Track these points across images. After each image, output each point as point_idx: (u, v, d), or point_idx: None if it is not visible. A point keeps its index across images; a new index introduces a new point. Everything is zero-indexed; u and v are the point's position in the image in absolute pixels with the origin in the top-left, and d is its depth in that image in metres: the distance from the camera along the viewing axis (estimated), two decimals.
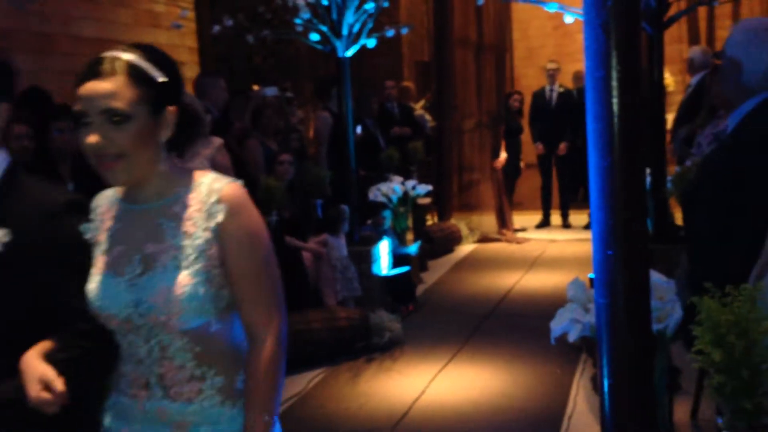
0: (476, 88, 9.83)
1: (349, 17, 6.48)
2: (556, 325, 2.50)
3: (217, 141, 4.93)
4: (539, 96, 10.41)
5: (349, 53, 6.66)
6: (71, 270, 1.85)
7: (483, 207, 9.78)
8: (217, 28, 6.83)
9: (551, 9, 5.51)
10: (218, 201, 1.79)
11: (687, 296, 2.01)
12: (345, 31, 6.55)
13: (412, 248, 7.41)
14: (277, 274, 1.88)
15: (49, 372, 1.71)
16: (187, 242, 1.78)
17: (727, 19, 10.95)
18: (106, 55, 1.77)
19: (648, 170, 5.40)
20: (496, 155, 9.80)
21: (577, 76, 10.42)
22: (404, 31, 7.64)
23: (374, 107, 8.53)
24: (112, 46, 1.81)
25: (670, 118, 6.93)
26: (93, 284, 1.82)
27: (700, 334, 1.77)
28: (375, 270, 6.69)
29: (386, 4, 6.68)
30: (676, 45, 11.32)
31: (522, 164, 10.56)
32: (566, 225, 10.23)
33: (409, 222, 8.01)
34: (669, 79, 9.77)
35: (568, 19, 5.54)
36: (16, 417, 1.77)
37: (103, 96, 1.72)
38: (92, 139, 1.73)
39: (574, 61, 11.66)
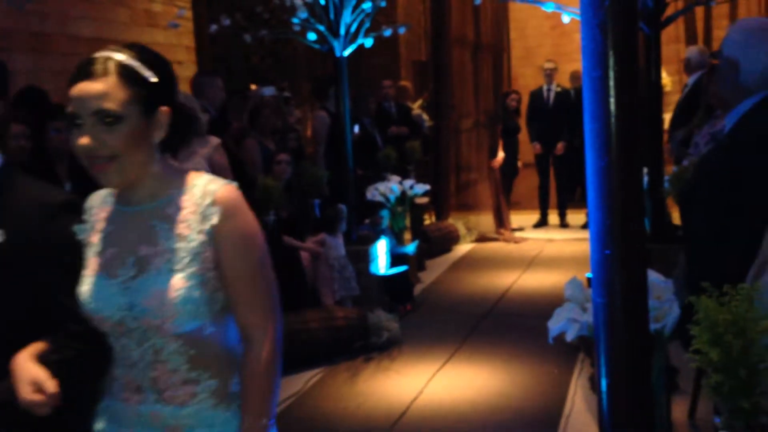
0: (473, 88, 9.84)
1: (347, 17, 6.49)
2: (554, 325, 2.50)
3: (215, 140, 4.94)
4: (537, 96, 10.41)
5: (347, 53, 6.66)
6: (66, 270, 1.84)
7: (480, 206, 9.78)
8: (214, 27, 6.82)
9: (548, 9, 5.50)
10: (213, 203, 1.77)
11: (684, 296, 2.02)
12: (342, 31, 6.55)
13: (410, 248, 7.41)
14: (272, 276, 1.87)
15: (40, 373, 1.70)
16: (180, 245, 1.76)
17: (724, 19, 10.95)
18: (97, 55, 1.74)
19: (645, 170, 5.40)
20: (494, 155, 9.80)
21: (575, 76, 10.42)
22: (401, 30, 7.63)
23: (372, 107, 8.53)
24: (109, 46, 1.80)
25: (667, 117, 6.94)
26: (86, 286, 1.80)
27: (697, 333, 1.77)
28: (373, 269, 6.69)
29: (383, 4, 6.67)
30: (673, 45, 11.32)
31: (519, 164, 10.56)
32: (564, 224, 10.23)
33: (407, 221, 8.01)
34: (666, 78, 9.75)
35: (566, 18, 5.53)
36: (6, 418, 1.75)
37: (95, 97, 1.70)
38: (84, 140, 1.71)
39: (572, 60, 11.64)
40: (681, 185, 3.69)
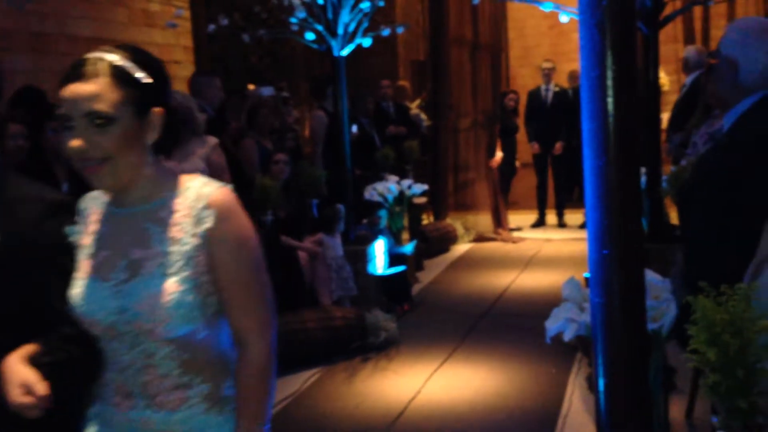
0: (472, 88, 9.84)
1: (345, 16, 6.48)
2: (552, 325, 2.50)
3: (213, 140, 4.93)
4: (535, 95, 10.41)
5: (345, 52, 6.66)
6: (59, 272, 1.82)
7: (478, 206, 9.78)
8: (212, 27, 6.83)
9: (547, 8, 5.51)
10: (207, 206, 1.74)
11: (682, 295, 2.02)
12: (340, 31, 6.55)
13: (408, 248, 7.41)
14: (266, 279, 1.84)
15: (31, 376, 1.66)
16: (174, 248, 1.73)
17: (722, 19, 10.95)
18: (89, 56, 1.72)
19: (643, 170, 5.40)
20: (492, 154, 9.80)
21: (573, 76, 10.42)
22: (400, 30, 7.64)
23: (370, 107, 8.53)
24: (101, 47, 1.78)
25: (665, 117, 6.95)
26: (77, 289, 1.77)
27: (695, 333, 1.77)
28: (370, 269, 6.69)
29: (382, 4, 6.68)
30: (671, 44, 11.34)
31: (517, 163, 10.57)
32: (562, 224, 10.24)
33: (405, 221, 8.01)
34: (664, 78, 9.78)
35: (564, 18, 5.54)
36: None
37: (86, 98, 1.68)
38: (76, 143, 1.69)
39: (570, 60, 11.67)
40: (679, 185, 3.70)
